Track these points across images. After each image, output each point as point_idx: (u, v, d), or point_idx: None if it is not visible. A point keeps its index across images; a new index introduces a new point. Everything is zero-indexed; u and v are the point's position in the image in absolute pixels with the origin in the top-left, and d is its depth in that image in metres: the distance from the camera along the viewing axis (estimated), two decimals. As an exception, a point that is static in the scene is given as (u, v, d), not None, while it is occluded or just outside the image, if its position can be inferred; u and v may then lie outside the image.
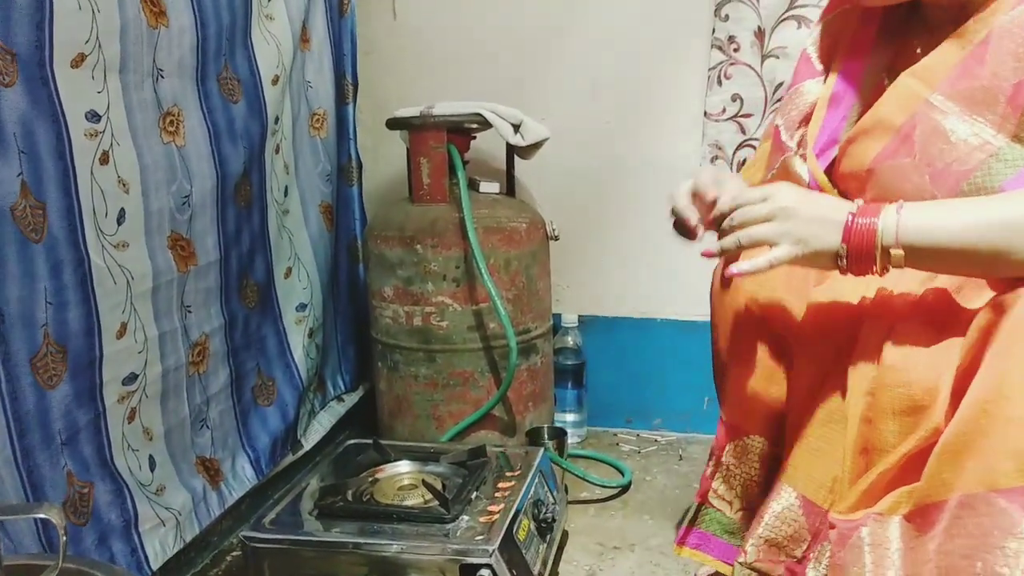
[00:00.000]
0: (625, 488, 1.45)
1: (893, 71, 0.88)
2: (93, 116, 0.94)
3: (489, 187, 1.49)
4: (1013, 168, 0.75)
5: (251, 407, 1.32)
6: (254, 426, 1.32)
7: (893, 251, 0.74)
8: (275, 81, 1.33)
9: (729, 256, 0.83)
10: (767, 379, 0.92)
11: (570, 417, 1.67)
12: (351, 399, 1.68)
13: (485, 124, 1.42)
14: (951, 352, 0.75)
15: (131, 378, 1.03)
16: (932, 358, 0.77)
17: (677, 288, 1.65)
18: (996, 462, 0.64)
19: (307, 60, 1.47)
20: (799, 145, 0.94)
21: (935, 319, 0.80)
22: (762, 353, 0.93)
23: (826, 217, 0.77)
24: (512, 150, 1.52)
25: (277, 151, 1.38)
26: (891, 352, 0.79)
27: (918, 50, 0.87)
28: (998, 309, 0.69)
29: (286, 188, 1.42)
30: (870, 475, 0.79)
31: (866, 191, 0.87)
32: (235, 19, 1.21)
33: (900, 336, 0.80)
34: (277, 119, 1.36)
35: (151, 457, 1.08)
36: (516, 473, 1.11)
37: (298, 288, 1.47)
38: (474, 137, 1.50)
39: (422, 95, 1.64)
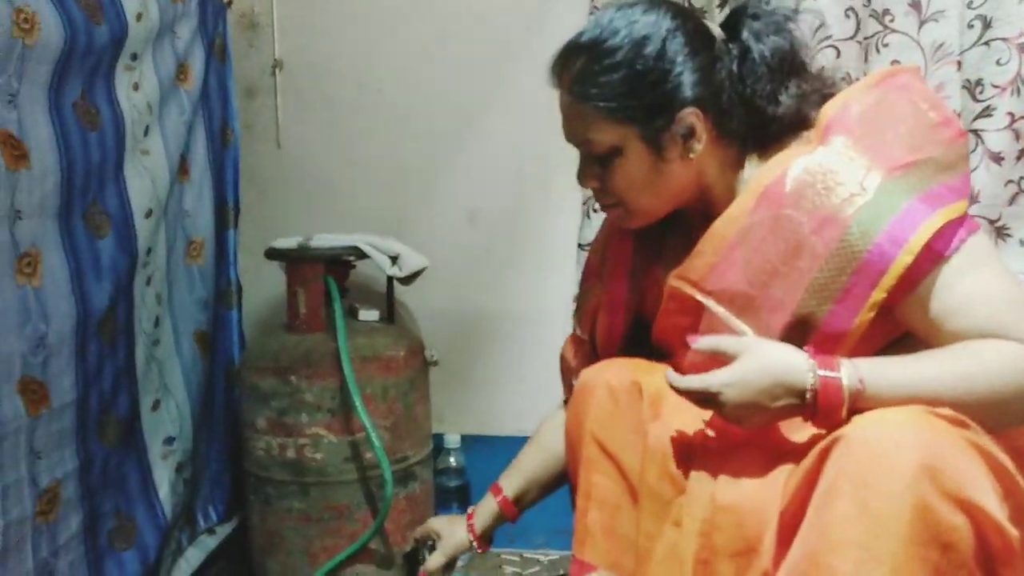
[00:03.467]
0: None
1: (667, 267, 0.98)
2: (-62, 265, 0.92)
3: (368, 314, 1.51)
4: None
5: (106, 553, 1.25)
6: (110, 574, 1.25)
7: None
8: (148, 214, 1.33)
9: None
10: (611, 515, 0.95)
11: (453, 541, 1.65)
12: (223, 530, 1.61)
13: (363, 255, 1.46)
14: (777, 486, 0.80)
15: (-36, 537, 0.96)
16: (761, 494, 0.81)
17: (552, 407, 1.69)
18: None
19: (186, 190, 1.48)
20: (590, 336, 1.09)
21: (764, 451, 0.85)
22: (607, 491, 0.95)
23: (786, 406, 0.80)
24: (392, 278, 1.56)
25: (148, 282, 1.36)
26: (724, 491, 0.83)
27: (681, 249, 0.95)
28: (822, 455, 0.73)
29: (157, 318, 1.40)
30: None
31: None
32: (106, 157, 1.22)
33: (732, 471, 0.84)
34: (150, 251, 1.35)
35: (-15, 621, 1.00)
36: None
37: (166, 420, 1.42)
38: (353, 266, 1.53)
39: (304, 221, 1.68)
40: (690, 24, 0.90)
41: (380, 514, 1.36)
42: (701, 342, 0.86)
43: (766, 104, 0.89)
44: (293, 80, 1.72)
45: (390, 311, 1.59)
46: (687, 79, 0.88)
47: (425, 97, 1.68)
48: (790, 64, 0.90)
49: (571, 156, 1.64)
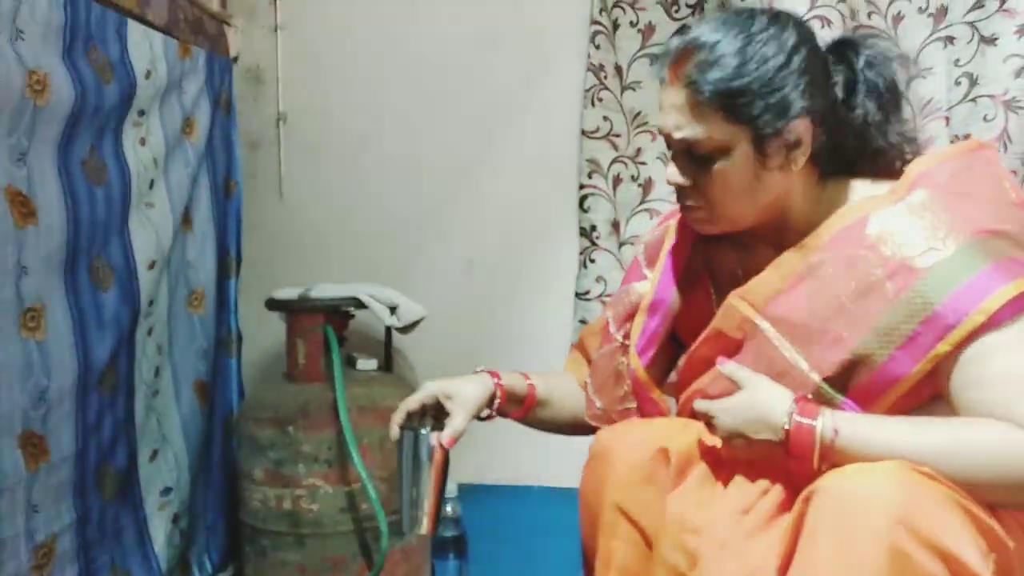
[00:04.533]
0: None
1: (715, 279, 0.99)
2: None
3: (366, 364, 1.52)
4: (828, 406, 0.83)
5: (101, 606, 1.24)
6: (104, 627, 1.24)
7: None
8: (152, 266, 1.35)
9: None
10: None
11: (451, 591, 1.64)
12: (218, 582, 1.60)
13: (362, 306, 1.47)
14: (777, 551, 0.80)
15: (-41, 594, 0.96)
16: (767, 564, 0.81)
17: (552, 455, 1.69)
18: None
19: (188, 241, 1.51)
20: (625, 338, 1.05)
21: (771, 519, 0.85)
22: (626, 557, 0.94)
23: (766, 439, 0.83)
24: (390, 327, 1.58)
25: (150, 333, 1.38)
26: (732, 569, 0.83)
27: (739, 271, 0.97)
28: (804, 504, 0.75)
29: (157, 368, 1.41)
30: None
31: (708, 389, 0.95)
32: (111, 211, 1.25)
33: (741, 547, 0.84)
34: (152, 302, 1.37)
35: None
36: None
37: (164, 471, 1.42)
38: (352, 316, 1.55)
39: (305, 270, 1.70)
40: (812, 41, 0.91)
41: (376, 566, 1.36)
42: (726, 366, 0.90)
43: (875, 132, 0.91)
44: (296, 133, 1.76)
45: (388, 360, 1.60)
46: (805, 91, 0.88)
47: (424, 150, 1.71)
48: (896, 100, 0.91)
49: (567, 207, 1.68)
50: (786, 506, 0.85)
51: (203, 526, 1.58)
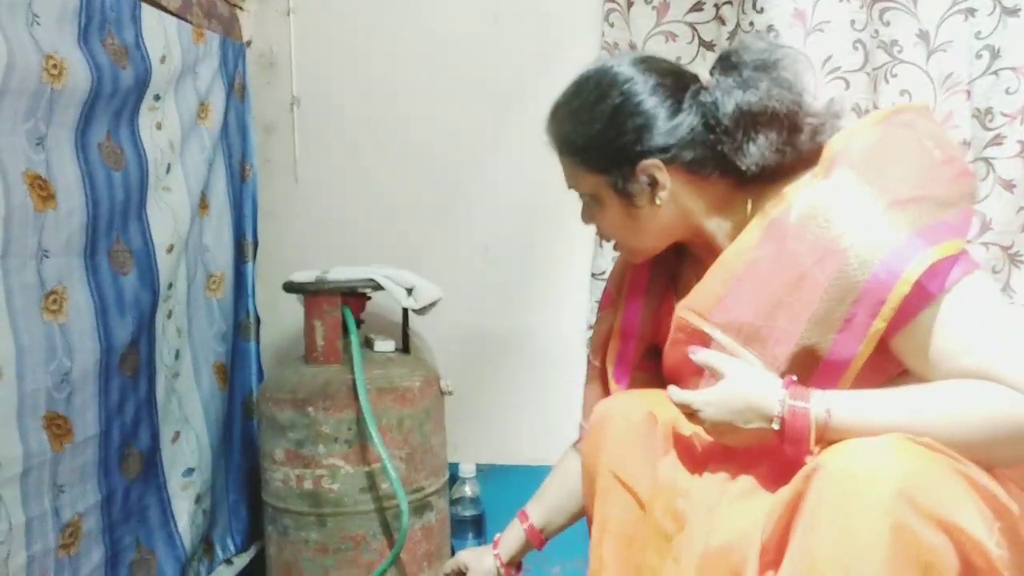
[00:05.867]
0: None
1: (679, 294, 1.01)
2: (-32, 304, 0.95)
3: (384, 345, 1.53)
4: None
5: (127, 585, 1.27)
6: (130, 605, 1.26)
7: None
8: (170, 249, 1.36)
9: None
10: (626, 546, 0.97)
11: (469, 571, 1.65)
12: (241, 561, 1.62)
13: (379, 287, 1.48)
14: (762, 520, 0.80)
15: (-10, 570, 0.98)
16: (751, 530, 0.81)
17: (568, 437, 1.69)
18: None
19: (205, 225, 1.52)
20: (602, 363, 1.10)
21: (758, 486, 0.86)
22: (621, 522, 0.97)
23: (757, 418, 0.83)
24: (407, 309, 1.58)
25: (169, 316, 1.39)
26: (718, 530, 0.84)
27: (695, 282, 0.97)
28: (803, 483, 0.74)
29: (177, 351, 1.43)
30: None
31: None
32: (129, 195, 1.25)
33: (727, 510, 0.85)
34: (171, 285, 1.38)
35: (8, 654, 1.02)
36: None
37: (186, 452, 1.44)
38: (369, 298, 1.55)
39: (321, 254, 1.71)
40: (654, 76, 0.92)
41: (396, 545, 1.37)
42: (698, 354, 0.90)
43: (734, 156, 0.90)
44: (310, 117, 1.76)
45: (405, 342, 1.61)
46: (648, 131, 0.90)
47: (439, 133, 1.71)
48: (752, 119, 0.88)
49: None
50: (772, 475, 0.86)
51: (225, 506, 1.60)
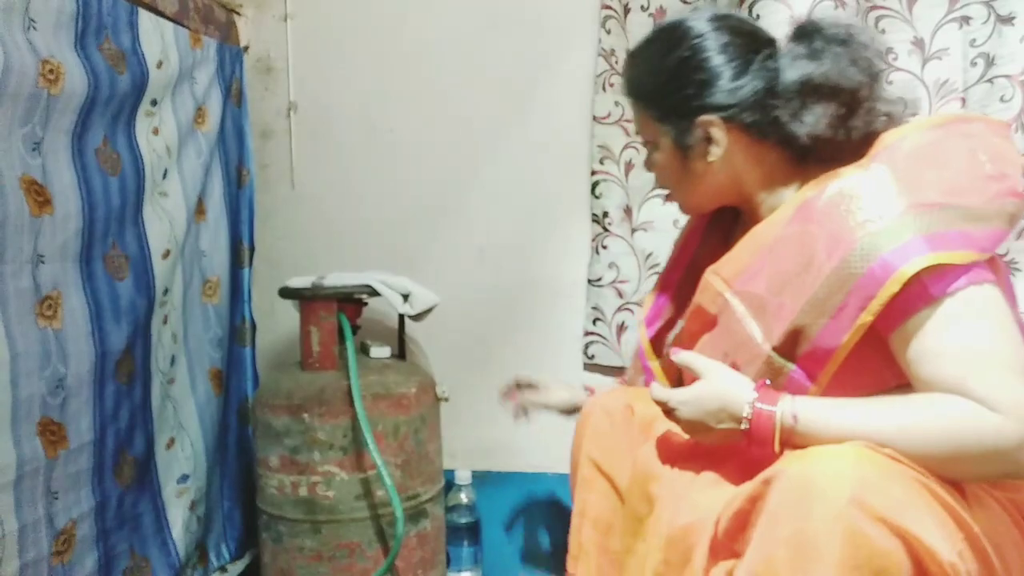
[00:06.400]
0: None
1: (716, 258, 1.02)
2: (-37, 310, 0.94)
3: (380, 351, 1.53)
4: (779, 375, 0.86)
5: (120, 592, 1.26)
6: (123, 612, 1.26)
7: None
8: (166, 255, 1.36)
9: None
10: (604, 533, 0.99)
11: (466, 576, 1.65)
12: (236, 568, 1.62)
13: (375, 293, 1.48)
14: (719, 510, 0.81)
15: (-18, 577, 0.98)
16: (710, 516, 0.83)
17: (564, 444, 1.68)
18: None
19: (202, 230, 1.51)
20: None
21: (724, 476, 0.88)
22: (601, 509, 1.02)
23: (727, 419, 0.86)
24: (403, 315, 1.58)
25: (165, 322, 1.38)
26: (682, 513, 0.86)
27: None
28: (764, 485, 0.75)
29: (173, 357, 1.42)
30: None
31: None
32: (126, 200, 1.25)
33: (692, 497, 0.88)
34: (167, 291, 1.37)
35: (-1, 662, 1.01)
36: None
37: (181, 458, 1.44)
38: (365, 304, 1.55)
39: (318, 259, 1.71)
40: (727, 34, 0.93)
41: (391, 552, 1.36)
42: (679, 355, 0.93)
43: (790, 122, 0.90)
44: (307, 122, 1.76)
45: (401, 348, 1.60)
46: (710, 87, 0.92)
47: (435, 138, 1.71)
48: (814, 89, 0.88)
49: (578, 193, 1.67)
50: (740, 470, 0.87)
51: (220, 513, 1.59)
